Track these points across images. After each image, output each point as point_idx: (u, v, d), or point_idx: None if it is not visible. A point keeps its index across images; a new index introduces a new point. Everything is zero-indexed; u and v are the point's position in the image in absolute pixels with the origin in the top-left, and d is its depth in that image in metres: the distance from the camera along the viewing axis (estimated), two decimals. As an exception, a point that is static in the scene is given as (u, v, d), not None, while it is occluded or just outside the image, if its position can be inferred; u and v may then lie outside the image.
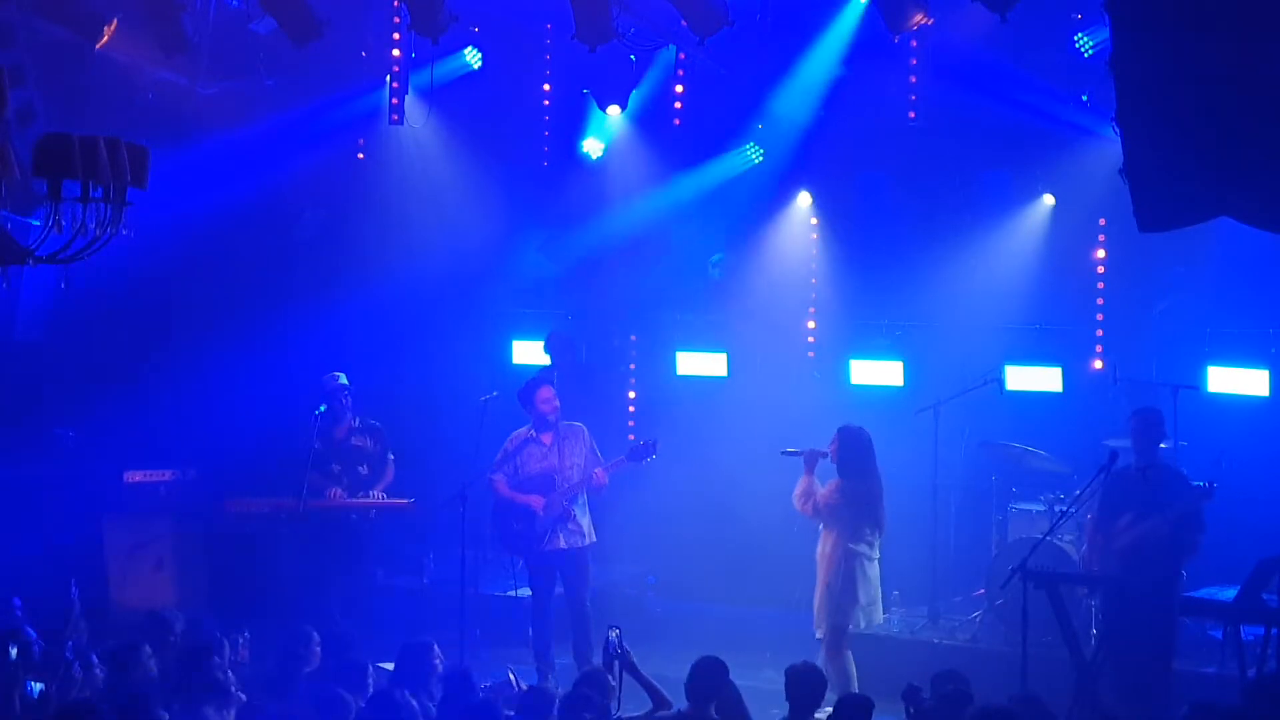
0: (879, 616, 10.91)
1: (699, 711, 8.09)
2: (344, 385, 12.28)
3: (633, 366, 14.62)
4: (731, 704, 8.28)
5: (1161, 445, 10.24)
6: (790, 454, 11.05)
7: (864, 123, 12.95)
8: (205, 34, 12.06)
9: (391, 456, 12.45)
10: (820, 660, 10.10)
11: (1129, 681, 10.12)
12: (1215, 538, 10.13)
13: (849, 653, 10.69)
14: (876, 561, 10.74)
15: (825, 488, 10.78)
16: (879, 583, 10.78)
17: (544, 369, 12.36)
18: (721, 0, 10.56)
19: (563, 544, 11.51)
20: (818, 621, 10.76)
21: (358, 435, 12.36)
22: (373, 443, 12.39)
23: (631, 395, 14.53)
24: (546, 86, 13.88)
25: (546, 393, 11.58)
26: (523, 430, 11.62)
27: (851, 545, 10.63)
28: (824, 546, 10.78)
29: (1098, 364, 12.86)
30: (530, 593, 11.79)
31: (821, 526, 10.83)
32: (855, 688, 10.23)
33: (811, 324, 13.98)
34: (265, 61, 12.97)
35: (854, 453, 10.71)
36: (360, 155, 14.28)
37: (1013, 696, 7.95)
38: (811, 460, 10.87)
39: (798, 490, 10.86)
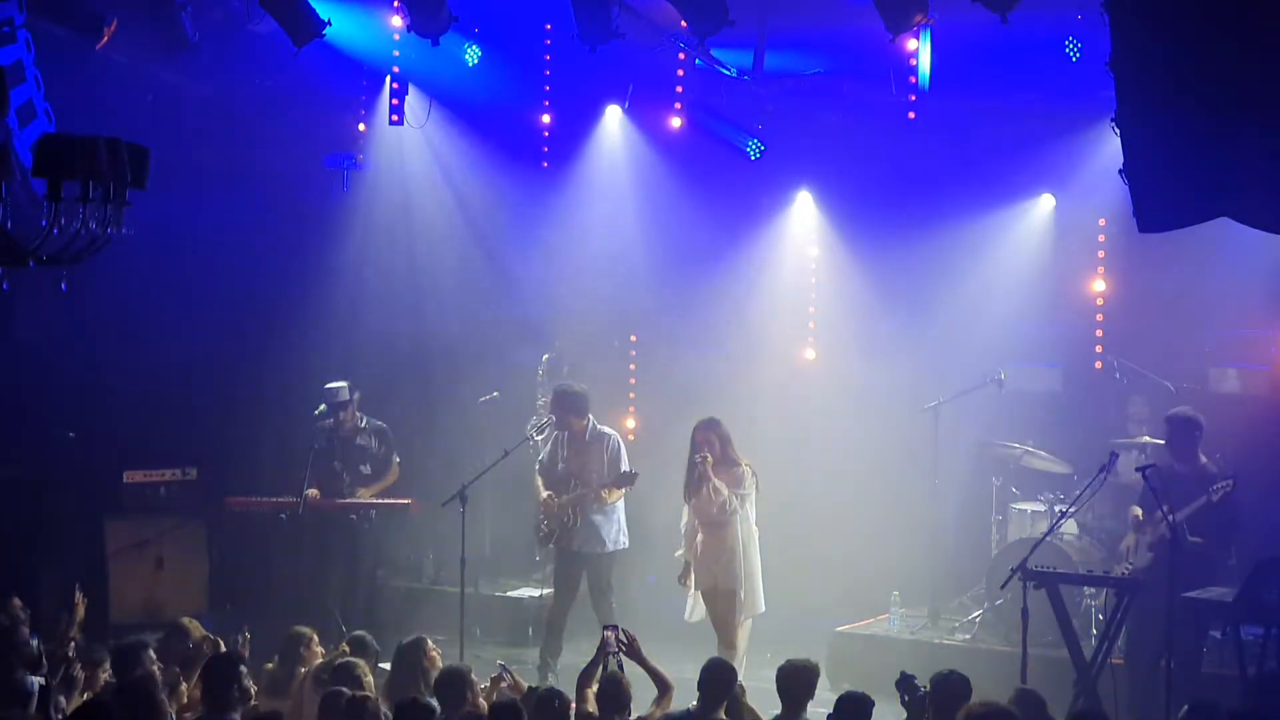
0: None
1: (708, 712, 8.08)
2: (345, 400, 12.22)
3: (632, 367, 14.59)
4: (740, 704, 8.27)
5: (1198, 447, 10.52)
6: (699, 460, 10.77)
7: (864, 121, 12.93)
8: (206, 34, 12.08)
9: (397, 459, 12.47)
10: (720, 649, 10.29)
11: (1138, 679, 10.18)
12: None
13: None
14: None
15: (723, 484, 10.72)
16: None
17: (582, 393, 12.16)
18: (721, 0, 10.55)
19: (575, 546, 11.53)
20: (730, 610, 10.71)
21: (363, 435, 12.37)
22: (377, 443, 12.41)
23: (631, 396, 14.50)
24: (547, 87, 13.86)
25: (580, 423, 11.55)
26: (556, 430, 11.69)
27: (754, 527, 10.83)
28: (719, 538, 10.74)
29: (1098, 364, 12.85)
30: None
31: (704, 523, 10.81)
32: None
33: (812, 324, 13.96)
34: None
35: (726, 440, 10.82)
36: (360, 157, 14.25)
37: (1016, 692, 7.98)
38: (709, 468, 10.73)
39: (716, 501, 10.72)
